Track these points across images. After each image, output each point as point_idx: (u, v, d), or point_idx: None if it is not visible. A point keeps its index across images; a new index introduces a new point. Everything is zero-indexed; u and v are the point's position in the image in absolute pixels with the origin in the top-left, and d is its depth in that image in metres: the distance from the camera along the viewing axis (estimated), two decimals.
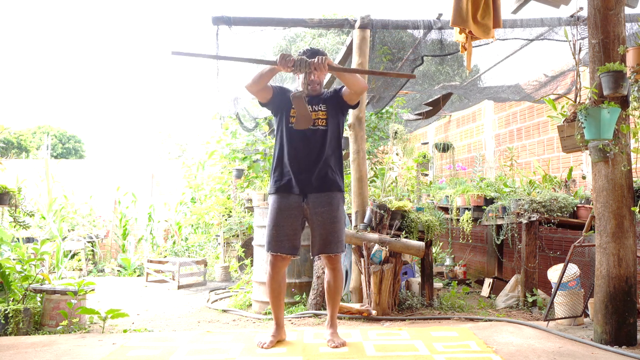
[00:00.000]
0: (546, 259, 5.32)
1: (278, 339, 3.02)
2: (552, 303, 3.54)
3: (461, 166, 7.65)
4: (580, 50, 3.64)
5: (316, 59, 2.78)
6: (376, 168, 7.18)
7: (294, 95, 2.80)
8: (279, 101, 3.08)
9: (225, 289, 6.27)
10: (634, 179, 3.15)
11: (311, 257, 3.98)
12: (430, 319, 3.99)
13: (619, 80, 2.88)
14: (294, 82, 5.26)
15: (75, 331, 3.75)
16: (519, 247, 4.76)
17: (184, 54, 2.82)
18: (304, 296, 4.56)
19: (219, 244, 7.82)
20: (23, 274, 4.00)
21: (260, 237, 4.67)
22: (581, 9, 4.11)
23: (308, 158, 2.97)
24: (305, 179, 2.97)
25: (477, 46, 4.52)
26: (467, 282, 6.31)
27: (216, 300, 5.46)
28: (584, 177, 5.15)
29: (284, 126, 3.05)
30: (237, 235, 7.66)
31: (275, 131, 3.19)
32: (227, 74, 4.64)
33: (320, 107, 3.03)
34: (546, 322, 3.46)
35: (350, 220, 4.55)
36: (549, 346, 2.95)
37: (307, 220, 3.04)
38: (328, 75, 5.59)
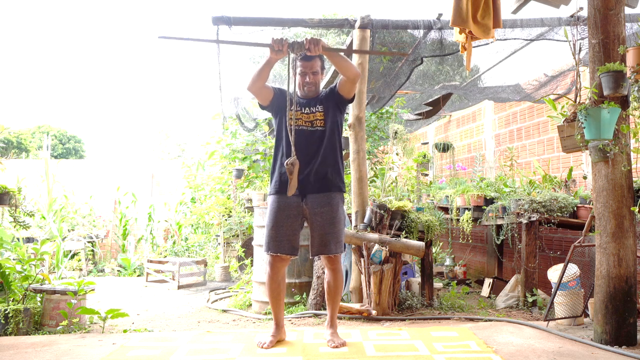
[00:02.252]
0: (546, 259, 5.32)
1: (278, 339, 3.02)
2: (552, 303, 3.54)
3: (461, 166, 7.65)
4: (580, 50, 3.64)
5: (309, 36, 2.79)
6: (376, 168, 7.18)
7: (291, 161, 2.82)
8: (278, 102, 3.08)
9: (225, 289, 6.28)
10: (634, 179, 3.15)
11: (310, 257, 3.99)
12: (430, 319, 3.99)
13: (619, 80, 2.88)
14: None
15: (75, 331, 3.75)
16: (519, 247, 4.76)
17: (171, 37, 2.77)
18: (304, 296, 4.56)
19: (219, 244, 7.83)
20: (23, 274, 4.00)
21: (260, 237, 4.67)
22: (581, 9, 4.11)
23: (307, 158, 2.97)
24: (304, 179, 2.97)
25: (477, 46, 4.52)
26: (467, 282, 6.31)
27: (216, 300, 5.46)
28: (584, 177, 5.15)
29: (283, 127, 3.05)
30: (237, 235, 7.66)
31: (274, 132, 3.20)
32: (227, 74, 4.65)
33: (318, 107, 3.04)
34: (546, 322, 3.46)
35: (350, 220, 4.55)
36: (549, 346, 2.95)
37: (306, 220, 3.04)
38: (328, 75, 5.61)
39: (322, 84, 3.25)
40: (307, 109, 3.03)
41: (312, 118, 3.02)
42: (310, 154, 2.98)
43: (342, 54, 2.97)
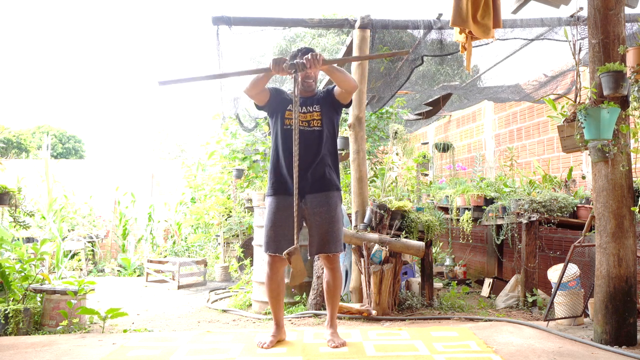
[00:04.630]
0: (546, 259, 5.32)
1: (278, 339, 3.02)
2: (552, 303, 3.54)
3: (461, 166, 7.65)
4: (580, 50, 3.64)
5: (309, 55, 2.78)
6: (376, 168, 7.18)
7: (289, 251, 2.69)
8: (275, 103, 3.08)
9: (225, 289, 6.28)
10: (634, 179, 3.15)
11: (309, 257, 4.00)
12: (430, 319, 3.99)
13: (619, 80, 2.88)
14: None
15: (75, 331, 3.75)
16: (519, 247, 4.76)
17: (171, 82, 2.88)
18: (304, 296, 4.56)
19: (219, 244, 7.83)
20: (23, 274, 4.00)
21: (260, 237, 4.66)
22: (581, 9, 4.11)
23: (304, 159, 2.97)
24: (302, 179, 2.96)
25: (477, 46, 4.51)
26: (467, 282, 6.31)
27: (216, 300, 5.46)
28: (583, 177, 5.15)
29: (279, 128, 3.05)
30: (237, 235, 7.66)
31: (271, 133, 3.20)
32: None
33: (315, 107, 3.04)
34: (546, 322, 3.46)
35: (350, 220, 4.55)
36: (549, 346, 2.95)
37: (305, 220, 3.04)
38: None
39: (322, 85, 3.25)
40: (304, 108, 3.03)
41: (309, 118, 3.02)
42: (307, 154, 2.98)
43: (341, 68, 2.95)
